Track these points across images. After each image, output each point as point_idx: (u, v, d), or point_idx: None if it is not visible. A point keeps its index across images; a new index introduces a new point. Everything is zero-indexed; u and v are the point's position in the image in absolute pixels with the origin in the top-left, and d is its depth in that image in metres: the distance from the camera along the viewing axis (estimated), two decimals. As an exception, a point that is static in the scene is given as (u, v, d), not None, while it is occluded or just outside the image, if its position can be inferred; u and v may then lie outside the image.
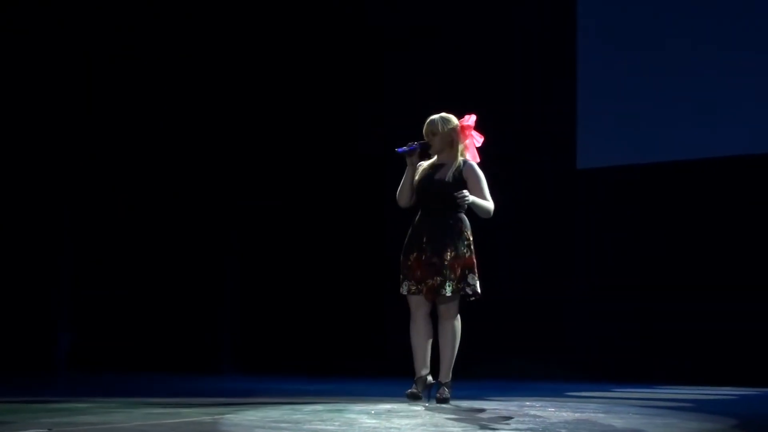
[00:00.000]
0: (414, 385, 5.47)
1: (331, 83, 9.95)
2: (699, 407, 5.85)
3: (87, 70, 10.15)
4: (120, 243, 10.36)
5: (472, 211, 5.50)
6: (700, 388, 7.52)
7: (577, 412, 5.15)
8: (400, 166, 5.66)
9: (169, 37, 10.17)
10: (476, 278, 5.48)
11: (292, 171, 10.07)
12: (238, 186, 10.18)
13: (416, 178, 5.60)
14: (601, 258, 8.77)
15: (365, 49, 9.81)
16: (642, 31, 8.63)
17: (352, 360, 9.28)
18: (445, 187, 5.47)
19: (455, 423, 4.64)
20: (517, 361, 8.49)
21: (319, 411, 5.08)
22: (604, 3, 8.94)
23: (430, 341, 5.54)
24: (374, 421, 4.56)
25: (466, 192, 5.38)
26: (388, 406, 5.32)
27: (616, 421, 4.73)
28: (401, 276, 5.55)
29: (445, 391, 5.50)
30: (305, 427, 4.32)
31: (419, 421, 4.65)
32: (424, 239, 5.47)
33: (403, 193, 5.63)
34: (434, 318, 5.58)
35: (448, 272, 5.40)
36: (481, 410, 5.26)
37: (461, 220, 5.52)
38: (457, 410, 5.25)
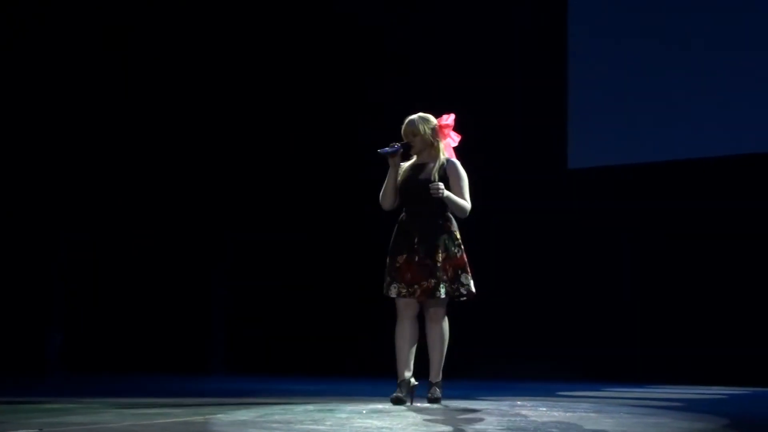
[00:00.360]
0: (398, 389, 5.41)
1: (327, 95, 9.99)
2: (690, 407, 5.86)
3: (81, 90, 10.15)
4: (113, 243, 10.35)
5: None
6: (692, 387, 7.54)
7: (568, 412, 5.15)
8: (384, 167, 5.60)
9: (161, 60, 10.21)
10: (470, 277, 5.46)
11: (287, 170, 10.08)
12: (231, 191, 10.19)
13: (399, 179, 5.56)
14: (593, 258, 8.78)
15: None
16: (634, 30, 8.65)
17: (344, 360, 9.28)
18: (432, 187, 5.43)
19: (446, 423, 4.64)
20: (508, 361, 8.51)
21: (310, 411, 5.07)
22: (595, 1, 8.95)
23: (415, 344, 5.49)
24: (366, 421, 4.55)
25: (440, 184, 5.35)
26: (379, 405, 5.32)
27: (608, 421, 4.73)
28: (388, 278, 5.48)
29: (437, 391, 5.50)
30: (297, 427, 4.32)
31: (410, 420, 4.65)
32: (416, 240, 5.42)
33: (386, 196, 5.56)
34: (420, 319, 5.53)
35: (440, 274, 5.36)
36: (473, 410, 5.26)
37: (450, 220, 5.49)
38: (449, 410, 5.25)
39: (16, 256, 10.01)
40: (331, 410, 5.11)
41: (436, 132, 5.56)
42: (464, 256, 5.47)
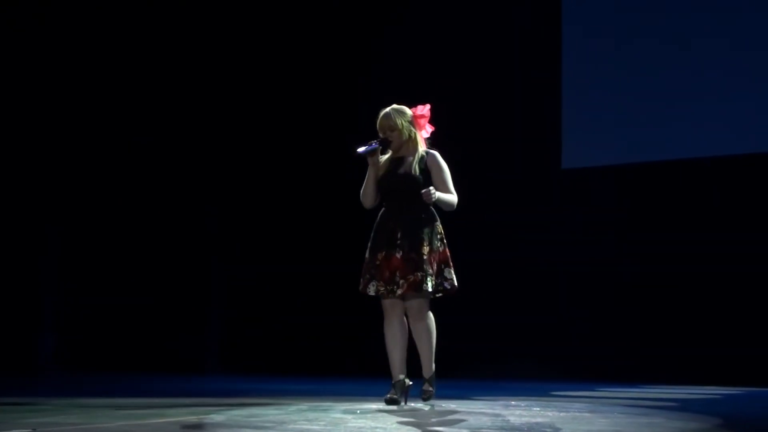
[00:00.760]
0: (392, 390, 5.37)
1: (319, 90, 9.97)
2: (684, 407, 5.86)
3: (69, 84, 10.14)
4: (105, 243, 10.33)
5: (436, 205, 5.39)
6: (686, 387, 7.54)
7: (562, 412, 5.16)
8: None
9: (152, 63, 10.20)
10: (452, 271, 5.38)
11: (281, 170, 10.07)
12: (224, 186, 10.19)
13: (378, 174, 5.45)
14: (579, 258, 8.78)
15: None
16: (629, 29, 8.65)
17: (339, 360, 9.28)
18: (413, 180, 5.34)
19: (440, 422, 4.64)
20: (502, 361, 8.51)
21: (304, 411, 5.07)
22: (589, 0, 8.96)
23: (406, 343, 5.43)
24: (360, 421, 4.55)
25: (432, 189, 5.27)
26: (373, 405, 5.32)
27: (602, 421, 4.73)
28: (366, 275, 5.39)
29: (429, 388, 5.44)
30: (291, 426, 4.32)
31: (405, 420, 4.65)
32: (399, 235, 5.32)
33: (367, 194, 5.47)
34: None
35: (427, 267, 5.27)
36: (467, 410, 5.26)
37: (432, 213, 5.41)
38: (443, 410, 5.24)
39: (8, 257, 9.95)
40: (325, 410, 5.11)
41: (412, 123, 5.48)
42: (447, 250, 5.39)
